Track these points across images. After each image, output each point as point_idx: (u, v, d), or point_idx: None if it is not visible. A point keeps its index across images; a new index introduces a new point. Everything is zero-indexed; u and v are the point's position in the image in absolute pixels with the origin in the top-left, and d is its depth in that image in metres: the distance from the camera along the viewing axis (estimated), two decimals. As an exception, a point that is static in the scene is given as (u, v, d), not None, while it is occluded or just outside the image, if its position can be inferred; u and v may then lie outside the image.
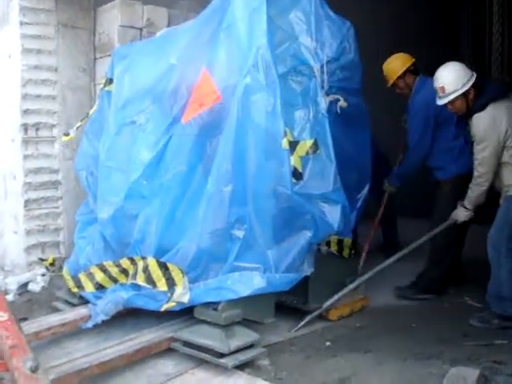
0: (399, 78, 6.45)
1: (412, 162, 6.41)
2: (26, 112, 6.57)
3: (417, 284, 6.34)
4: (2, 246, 6.90)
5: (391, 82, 6.52)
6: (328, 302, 5.35)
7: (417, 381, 3.92)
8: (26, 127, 6.60)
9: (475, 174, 5.42)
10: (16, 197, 6.70)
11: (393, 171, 6.66)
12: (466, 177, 5.70)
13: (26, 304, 5.98)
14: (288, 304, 5.37)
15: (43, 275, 6.49)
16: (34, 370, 3.81)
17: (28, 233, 6.68)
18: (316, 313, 5.31)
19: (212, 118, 4.81)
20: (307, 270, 4.95)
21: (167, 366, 4.55)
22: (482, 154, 5.31)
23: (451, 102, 5.49)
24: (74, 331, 4.99)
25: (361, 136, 5.59)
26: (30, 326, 4.79)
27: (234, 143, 4.64)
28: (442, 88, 5.45)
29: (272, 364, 4.55)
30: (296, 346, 4.93)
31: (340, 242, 5.38)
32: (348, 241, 5.44)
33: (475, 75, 5.42)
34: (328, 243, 5.31)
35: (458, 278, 6.55)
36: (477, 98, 5.37)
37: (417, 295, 6.26)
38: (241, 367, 4.41)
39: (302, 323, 5.26)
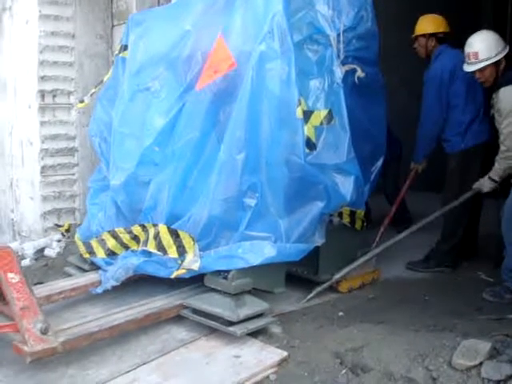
0: (423, 36, 6.15)
1: (423, 134, 6.14)
2: (43, 78, 6.49)
3: (429, 258, 6.21)
4: (18, 211, 6.86)
5: (414, 35, 6.22)
6: (339, 274, 5.22)
7: (429, 352, 3.79)
8: (43, 94, 6.53)
9: (502, 148, 5.23)
10: (33, 163, 6.65)
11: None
12: (473, 150, 5.69)
13: (42, 269, 5.97)
14: (299, 274, 5.25)
15: (59, 241, 6.50)
16: (44, 331, 3.85)
17: (44, 199, 6.66)
18: (326, 284, 5.19)
19: (226, 84, 4.64)
20: (318, 240, 4.82)
21: (181, 331, 4.52)
22: (509, 129, 5.11)
23: (481, 70, 5.27)
24: (90, 297, 4.94)
25: (376, 108, 5.40)
26: (42, 290, 4.72)
27: (248, 111, 4.49)
28: (475, 54, 5.22)
29: (285, 332, 4.50)
30: (308, 316, 4.85)
31: (352, 214, 5.22)
32: (361, 213, 5.27)
33: (508, 47, 5.21)
34: (340, 215, 5.15)
35: (472, 251, 6.39)
36: (506, 71, 5.18)
37: (430, 269, 6.12)
38: (254, 335, 4.38)
39: (313, 294, 5.15)
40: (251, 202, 4.54)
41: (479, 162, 5.76)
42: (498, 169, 5.30)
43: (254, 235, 4.55)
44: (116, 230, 5.03)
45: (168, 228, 4.68)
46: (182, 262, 4.59)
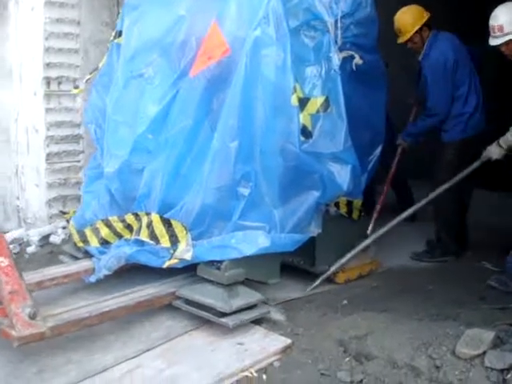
0: (416, 32, 5.81)
1: (428, 123, 5.89)
2: (48, 65, 6.29)
3: (433, 248, 6.03)
4: (24, 198, 6.67)
5: (407, 36, 5.83)
6: (336, 264, 5.05)
7: (433, 340, 3.74)
8: (48, 81, 6.33)
9: None
10: (38, 150, 6.46)
11: (407, 127, 6.15)
12: (471, 140, 5.52)
13: (47, 255, 5.87)
14: (295, 265, 5.07)
15: (64, 228, 6.30)
16: (33, 316, 3.72)
17: (49, 186, 6.47)
18: (326, 275, 5.03)
19: (220, 71, 4.44)
20: (314, 230, 4.65)
21: (185, 318, 4.42)
22: None
23: (507, 43, 4.97)
24: (85, 286, 4.79)
25: (376, 95, 5.20)
26: (34, 276, 4.56)
27: (242, 98, 4.30)
28: (500, 27, 4.91)
29: (288, 320, 4.45)
30: (312, 304, 4.76)
31: (350, 204, 5.04)
32: (358, 202, 5.08)
33: None
34: (337, 204, 4.96)
35: (463, 241, 6.17)
36: None
37: (434, 259, 5.95)
38: (257, 322, 4.33)
39: (317, 283, 5.02)
40: (245, 191, 4.38)
41: (475, 151, 5.48)
42: (509, 139, 5.08)
43: (248, 225, 4.38)
44: (109, 218, 4.85)
45: (161, 217, 4.49)
46: (175, 251, 4.42)
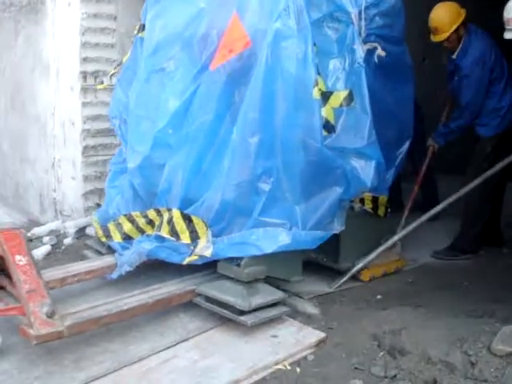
0: (453, 31, 5.40)
1: (463, 122, 5.51)
2: (85, 60, 6.12)
3: (454, 246, 5.68)
4: (60, 191, 6.52)
5: (444, 36, 5.42)
6: (364, 260, 4.78)
7: (468, 337, 3.57)
8: (85, 75, 6.15)
9: None
10: (74, 143, 6.31)
11: (438, 128, 5.76)
12: (506, 134, 5.21)
13: (84, 247, 5.59)
14: (318, 262, 4.80)
15: (100, 220, 5.99)
16: (50, 315, 3.60)
17: (85, 179, 6.32)
18: (353, 271, 4.76)
19: (241, 64, 4.17)
20: (337, 228, 4.37)
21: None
22: None
23: None
24: (106, 282, 4.59)
25: (403, 89, 4.88)
26: (56, 273, 4.40)
27: (262, 91, 4.03)
28: None
29: (322, 314, 4.31)
30: (346, 298, 4.61)
31: (375, 200, 4.73)
32: (383, 198, 4.77)
33: None
34: (362, 201, 4.66)
35: (497, 238, 5.88)
36: None
37: (455, 257, 5.61)
38: (292, 315, 4.22)
39: (342, 281, 4.73)
40: (266, 187, 4.10)
41: (510, 145, 5.19)
42: None
43: (269, 221, 4.12)
44: (132, 213, 4.65)
45: (181, 213, 4.27)
46: (195, 247, 4.19)
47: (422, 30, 5.76)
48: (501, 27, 4.42)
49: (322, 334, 3.95)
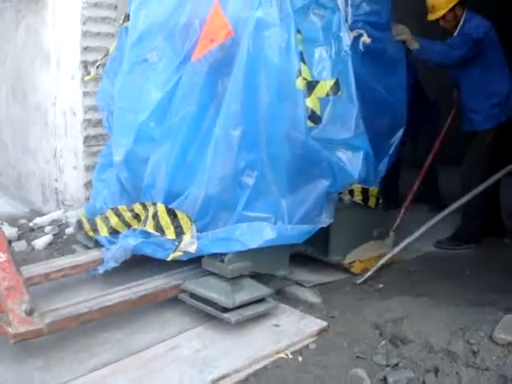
0: (449, 10, 5.18)
1: (445, 50, 5.09)
2: (86, 49, 5.97)
3: (456, 236, 5.52)
4: (62, 181, 6.44)
5: (440, 14, 5.22)
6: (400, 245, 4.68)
7: (470, 326, 3.49)
8: (85, 64, 5.99)
9: None
10: (76, 133, 6.19)
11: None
12: (508, 125, 4.99)
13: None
14: (308, 255, 4.63)
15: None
16: (30, 312, 3.47)
17: (87, 169, 6.17)
18: (384, 259, 4.62)
19: (223, 54, 3.97)
20: (325, 221, 4.17)
21: None
22: None
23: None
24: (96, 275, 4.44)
25: (394, 76, 4.65)
26: (40, 268, 4.27)
27: (244, 82, 3.84)
28: None
29: (324, 303, 4.25)
30: (348, 287, 4.53)
31: (365, 191, 4.53)
32: (374, 190, 4.58)
33: None
34: (351, 192, 4.44)
35: (499, 228, 5.72)
36: None
37: (458, 247, 5.45)
38: (294, 304, 4.19)
39: (370, 272, 4.57)
40: (249, 180, 3.93)
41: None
42: None
43: (253, 216, 3.93)
44: (119, 207, 4.49)
45: (166, 208, 4.09)
46: (180, 243, 4.02)
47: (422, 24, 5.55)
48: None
49: (324, 323, 3.89)
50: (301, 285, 4.44)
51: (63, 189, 6.41)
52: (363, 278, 4.52)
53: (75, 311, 3.62)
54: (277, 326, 3.87)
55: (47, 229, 5.83)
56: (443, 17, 5.22)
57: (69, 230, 5.76)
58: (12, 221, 6.16)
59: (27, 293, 3.54)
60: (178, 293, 4.02)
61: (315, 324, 3.89)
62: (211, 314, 3.82)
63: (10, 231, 5.71)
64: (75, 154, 6.21)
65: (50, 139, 6.47)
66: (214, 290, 3.85)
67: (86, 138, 6.10)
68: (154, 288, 3.96)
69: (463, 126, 5.41)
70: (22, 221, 6.15)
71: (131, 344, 3.64)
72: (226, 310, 3.75)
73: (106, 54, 4.96)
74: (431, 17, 5.31)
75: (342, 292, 4.42)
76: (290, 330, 3.82)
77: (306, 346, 3.68)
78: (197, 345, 3.65)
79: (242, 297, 3.81)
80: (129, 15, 4.59)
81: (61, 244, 5.55)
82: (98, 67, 5.05)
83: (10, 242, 5.41)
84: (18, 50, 6.84)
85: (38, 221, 6.02)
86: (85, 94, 6.02)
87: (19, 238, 5.67)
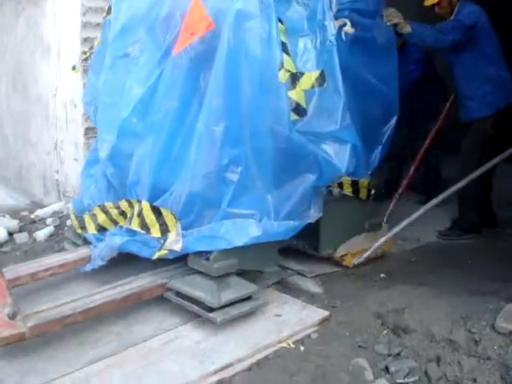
0: None
1: (435, 34, 4.94)
2: (86, 40, 5.79)
3: (458, 226, 5.46)
4: (63, 172, 6.37)
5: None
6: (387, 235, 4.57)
7: (471, 315, 3.48)
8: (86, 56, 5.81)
9: None
10: (76, 125, 6.06)
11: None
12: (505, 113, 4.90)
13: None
14: (299, 249, 4.50)
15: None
16: (12, 316, 3.37)
17: (88, 160, 5.90)
18: (375, 246, 4.52)
19: (204, 48, 3.81)
20: (313, 215, 4.04)
21: None
22: None
23: None
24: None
25: (385, 64, 4.45)
26: (28, 267, 4.17)
27: (226, 76, 3.69)
28: None
29: (326, 293, 4.23)
30: (349, 277, 4.49)
31: (355, 184, 4.35)
32: (364, 181, 4.41)
33: None
34: (341, 185, 4.26)
35: (491, 219, 5.66)
36: None
37: (459, 237, 5.38)
38: (295, 294, 4.17)
39: (365, 256, 4.52)
40: (233, 176, 3.78)
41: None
42: None
43: (238, 213, 3.79)
44: (106, 204, 4.37)
45: (151, 205, 3.97)
46: (165, 241, 3.90)
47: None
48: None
49: (326, 313, 3.86)
50: (302, 275, 4.39)
51: (64, 180, 6.34)
52: (361, 259, 4.48)
53: (58, 314, 3.51)
54: (278, 315, 3.83)
55: (48, 220, 5.77)
56: (438, 3, 5.13)
57: (70, 222, 5.57)
58: (13, 213, 6.10)
59: (10, 296, 3.46)
60: (163, 291, 3.91)
61: (317, 314, 3.86)
62: (197, 313, 3.71)
63: (12, 223, 5.67)
64: (76, 145, 6.10)
65: (51, 131, 6.38)
66: (199, 288, 3.74)
67: (87, 130, 5.95)
68: (139, 287, 3.85)
69: (460, 116, 5.29)
70: (24, 213, 6.10)
71: (133, 335, 3.62)
72: (212, 308, 3.63)
73: (92, 47, 4.80)
74: (427, 2, 5.23)
75: (343, 282, 4.37)
76: (292, 319, 3.79)
77: (308, 336, 3.65)
78: (197, 336, 3.61)
79: (228, 295, 3.70)
80: (111, 7, 4.43)
81: (62, 236, 5.44)
82: (83, 61, 4.90)
83: (11, 234, 5.47)
84: (18, 41, 6.77)
85: (40, 212, 5.97)
86: (85, 85, 5.84)
87: (21, 230, 5.62)
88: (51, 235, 5.49)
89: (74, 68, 5.23)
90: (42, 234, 5.38)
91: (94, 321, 3.69)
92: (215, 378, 3.22)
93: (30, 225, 5.78)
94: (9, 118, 7.19)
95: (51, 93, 6.29)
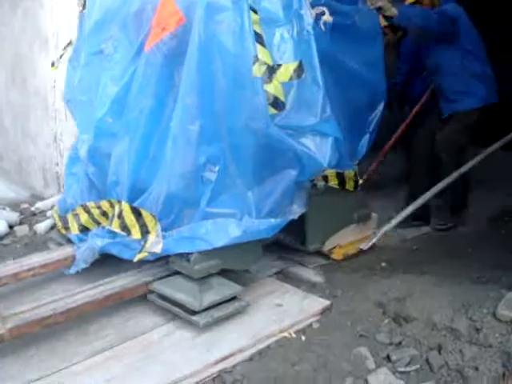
0: None
1: (425, 16, 4.78)
2: None
3: (444, 215, 5.34)
4: (62, 165, 6.13)
5: None
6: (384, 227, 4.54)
7: (473, 303, 3.47)
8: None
9: None
10: (75, 118, 5.81)
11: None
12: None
13: None
14: (286, 243, 4.36)
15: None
16: None
17: (87, 153, 5.80)
18: (375, 238, 4.48)
19: (176, 43, 3.62)
20: (296, 211, 3.89)
21: None
22: None
23: None
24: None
25: (369, 50, 4.23)
26: (9, 268, 4.08)
27: (198, 72, 3.50)
28: None
29: (327, 282, 4.20)
30: (351, 266, 4.45)
31: (340, 175, 4.18)
32: (350, 173, 4.23)
33: None
34: (325, 178, 4.03)
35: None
36: None
37: (443, 226, 5.29)
38: (296, 284, 4.15)
39: (374, 240, 4.49)
40: (211, 175, 3.63)
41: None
42: None
43: (218, 212, 3.66)
44: (88, 204, 4.23)
45: (131, 206, 3.83)
46: (145, 243, 3.77)
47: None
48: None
49: (327, 302, 3.86)
50: (303, 265, 4.35)
51: (64, 173, 6.23)
52: (370, 244, 4.43)
53: (38, 315, 3.43)
54: (280, 305, 3.82)
55: (49, 213, 5.69)
56: (419, 1, 5.04)
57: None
58: (14, 205, 6.08)
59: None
60: (146, 291, 3.81)
61: (318, 303, 3.85)
62: (179, 315, 3.60)
63: (12, 216, 5.63)
64: (75, 137, 5.88)
65: (50, 123, 6.27)
66: (181, 290, 3.63)
67: (87, 122, 5.88)
68: (121, 287, 3.75)
69: (442, 110, 5.21)
70: (24, 205, 6.08)
71: (133, 328, 3.60)
72: (194, 311, 3.52)
73: (69, 43, 4.62)
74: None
75: (344, 271, 4.33)
76: (293, 309, 3.78)
77: (310, 326, 3.64)
78: (198, 327, 3.53)
79: (210, 297, 3.59)
80: (85, 1, 4.25)
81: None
82: (61, 57, 4.73)
83: (11, 227, 5.40)
84: (17, 34, 6.63)
85: (40, 205, 5.93)
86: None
87: (21, 223, 5.59)
88: (52, 227, 5.35)
89: (53, 64, 5.07)
90: (42, 227, 5.33)
91: (91, 314, 3.66)
92: (216, 368, 3.22)
93: (30, 217, 5.75)
94: (8, 110, 7.08)
95: (50, 85, 6.16)
